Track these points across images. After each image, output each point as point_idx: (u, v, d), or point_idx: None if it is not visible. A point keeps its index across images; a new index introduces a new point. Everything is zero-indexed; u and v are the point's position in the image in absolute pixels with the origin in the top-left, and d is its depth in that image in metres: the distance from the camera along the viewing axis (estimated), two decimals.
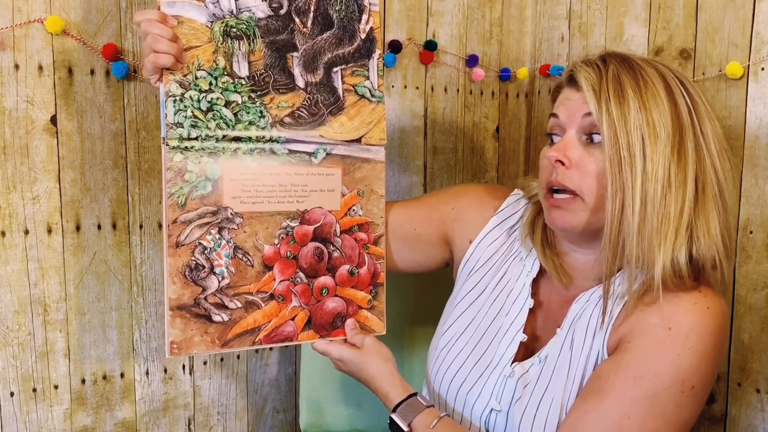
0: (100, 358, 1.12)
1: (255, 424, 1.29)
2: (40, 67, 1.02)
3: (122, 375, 1.14)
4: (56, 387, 1.09)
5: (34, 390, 1.07)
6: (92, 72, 1.06)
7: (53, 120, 1.04)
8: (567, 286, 0.94)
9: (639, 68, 0.86)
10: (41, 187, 1.04)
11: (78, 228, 1.08)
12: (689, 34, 1.22)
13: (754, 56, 1.14)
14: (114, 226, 1.10)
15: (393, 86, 1.34)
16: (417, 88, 1.36)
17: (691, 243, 0.84)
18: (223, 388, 1.25)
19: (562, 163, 0.86)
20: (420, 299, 1.24)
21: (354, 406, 1.01)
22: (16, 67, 1.01)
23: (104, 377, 1.13)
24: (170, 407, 1.19)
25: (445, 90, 1.40)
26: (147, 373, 1.16)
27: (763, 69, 1.13)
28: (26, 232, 1.04)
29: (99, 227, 1.09)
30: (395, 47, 1.31)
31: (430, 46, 1.35)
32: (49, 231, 1.05)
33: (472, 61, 1.41)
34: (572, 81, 0.90)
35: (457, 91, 1.42)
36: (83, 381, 1.11)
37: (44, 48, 1.02)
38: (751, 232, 1.16)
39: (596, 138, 0.86)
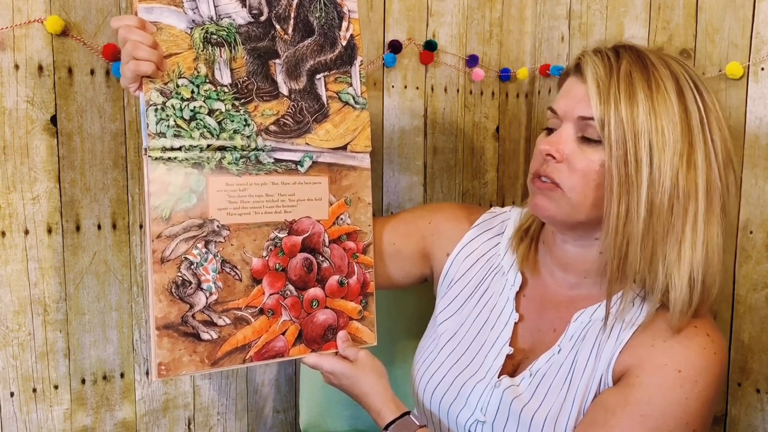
0: (100, 358, 1.12)
1: (255, 424, 1.29)
2: (40, 67, 1.02)
3: (122, 375, 1.14)
4: (56, 387, 1.09)
5: (34, 390, 1.07)
6: (92, 72, 1.06)
7: (53, 120, 1.04)
8: (541, 279, 0.95)
9: (653, 68, 0.82)
10: (41, 187, 1.04)
11: (78, 228, 1.08)
12: (689, 34, 1.22)
13: (754, 56, 1.14)
14: (114, 226, 1.10)
15: (393, 86, 1.34)
16: (417, 88, 1.36)
17: (705, 258, 0.83)
18: (223, 388, 1.25)
19: (553, 157, 0.85)
20: (411, 312, 1.24)
21: (354, 406, 1.01)
22: (16, 67, 1.01)
23: (104, 377, 1.13)
24: (170, 407, 1.19)
25: (445, 90, 1.40)
26: (147, 373, 1.16)
27: (763, 69, 1.13)
28: (26, 232, 1.04)
29: (99, 227, 1.09)
30: (395, 47, 1.31)
31: (430, 46, 1.35)
32: (49, 231, 1.05)
33: (472, 61, 1.41)
34: (578, 69, 0.87)
35: (457, 91, 1.42)
36: (83, 381, 1.11)
37: (44, 48, 1.02)
38: (751, 232, 1.16)
39: (589, 134, 0.84)
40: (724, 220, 0.84)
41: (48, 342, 1.07)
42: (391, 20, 1.32)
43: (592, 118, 0.82)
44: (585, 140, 0.84)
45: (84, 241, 1.08)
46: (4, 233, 1.02)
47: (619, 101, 0.80)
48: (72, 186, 1.06)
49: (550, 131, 0.89)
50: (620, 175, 0.81)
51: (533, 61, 1.50)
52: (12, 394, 1.05)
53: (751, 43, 1.14)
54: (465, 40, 1.41)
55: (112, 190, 1.10)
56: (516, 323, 0.95)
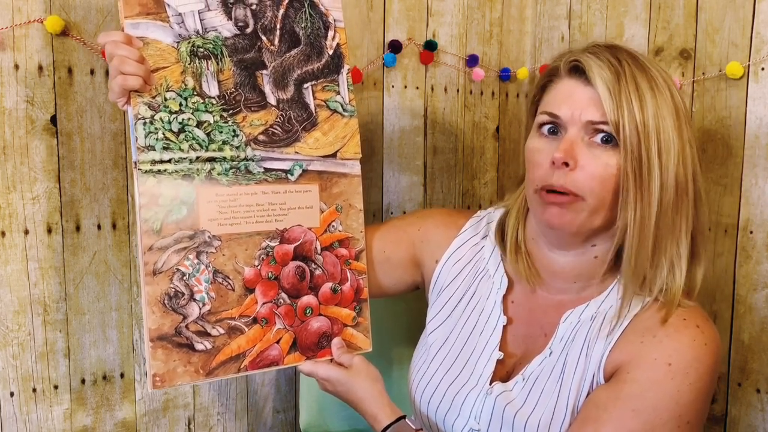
0: (100, 358, 1.12)
1: (255, 424, 1.29)
2: (40, 67, 1.02)
3: (122, 375, 1.14)
4: (56, 387, 1.09)
5: (34, 390, 1.07)
6: (92, 72, 1.06)
7: (53, 120, 1.04)
8: (534, 288, 0.94)
9: (648, 68, 0.84)
10: (41, 187, 1.04)
11: (78, 228, 1.08)
12: (689, 34, 1.22)
13: (754, 56, 1.14)
14: (114, 226, 1.10)
15: (393, 86, 1.34)
16: (417, 88, 1.36)
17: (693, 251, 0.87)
18: (223, 388, 1.25)
19: (567, 165, 0.83)
20: (406, 316, 1.23)
21: None
22: (16, 67, 1.01)
23: (104, 377, 1.13)
24: (170, 407, 1.19)
25: (445, 90, 1.40)
26: (146, 374, 1.16)
27: (763, 69, 1.13)
28: (26, 232, 1.04)
29: (99, 227, 1.09)
30: (395, 47, 1.31)
31: (430, 46, 1.35)
32: (49, 231, 1.05)
33: (472, 61, 1.41)
34: (576, 72, 0.86)
35: (457, 91, 1.42)
36: (83, 381, 1.11)
37: (44, 48, 1.02)
38: (751, 232, 1.16)
39: (599, 138, 0.84)
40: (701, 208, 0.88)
41: (48, 342, 1.07)
42: (391, 20, 1.32)
43: (604, 123, 0.83)
44: (594, 144, 0.84)
45: (84, 241, 1.08)
46: (4, 233, 1.02)
47: (631, 104, 0.82)
48: (72, 186, 1.06)
49: (543, 131, 0.88)
50: (635, 176, 0.82)
51: (533, 61, 1.50)
52: (12, 394, 1.06)
53: (751, 43, 1.14)
54: (465, 40, 1.41)
55: (112, 190, 1.10)
56: (505, 327, 0.94)
